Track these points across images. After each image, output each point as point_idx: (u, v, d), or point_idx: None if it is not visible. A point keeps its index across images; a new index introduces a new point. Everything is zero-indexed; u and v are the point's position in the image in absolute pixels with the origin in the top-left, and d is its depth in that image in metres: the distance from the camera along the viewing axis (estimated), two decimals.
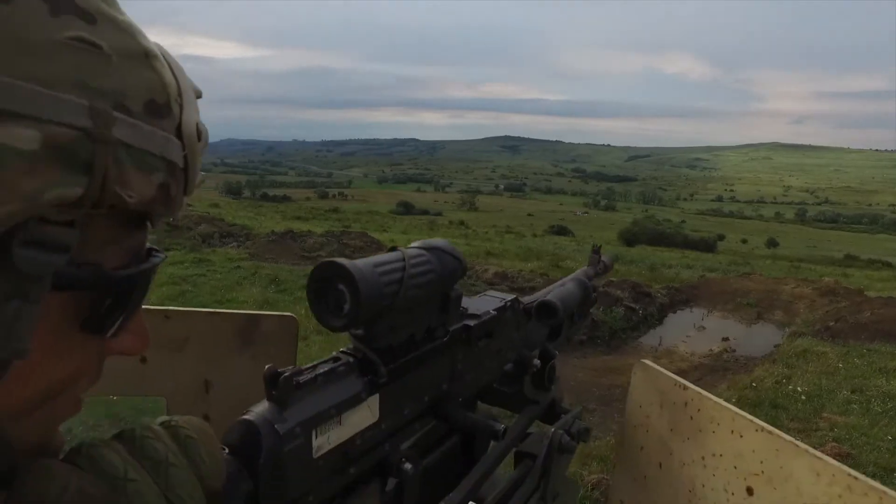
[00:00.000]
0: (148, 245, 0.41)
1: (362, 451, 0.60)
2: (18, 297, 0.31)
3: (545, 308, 0.88)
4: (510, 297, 0.92)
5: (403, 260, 0.61)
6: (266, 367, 0.53)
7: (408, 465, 0.65)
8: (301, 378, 0.54)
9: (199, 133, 0.41)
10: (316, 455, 0.54)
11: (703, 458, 0.78)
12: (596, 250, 1.29)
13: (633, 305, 8.63)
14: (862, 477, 0.56)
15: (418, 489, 0.72)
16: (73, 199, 0.31)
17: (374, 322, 0.60)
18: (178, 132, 0.38)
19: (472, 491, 0.83)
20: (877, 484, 0.54)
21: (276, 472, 0.50)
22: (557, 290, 0.96)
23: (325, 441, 0.55)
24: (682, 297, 9.61)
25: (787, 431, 0.62)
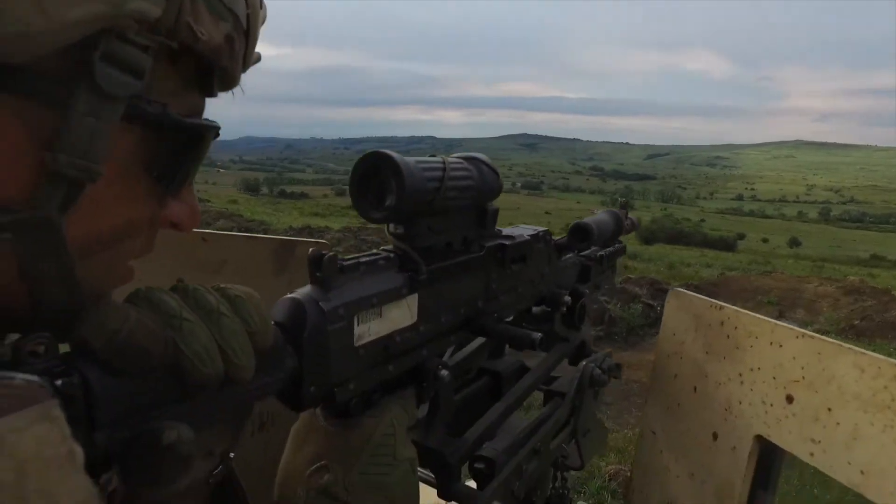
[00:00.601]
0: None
1: (401, 350, 0.61)
2: (94, 115, 0.32)
3: (580, 229, 0.88)
4: (542, 228, 0.93)
5: (444, 164, 0.63)
6: (310, 250, 0.55)
7: (444, 372, 0.66)
8: (345, 263, 0.55)
9: (261, 3, 0.43)
10: (357, 343, 0.55)
11: (739, 374, 0.77)
12: (623, 206, 1.29)
13: (651, 302, 8.58)
14: None
15: (452, 400, 0.73)
16: (152, 19, 0.32)
17: (414, 221, 0.61)
18: None
19: (501, 418, 0.84)
20: None
21: (320, 350, 0.51)
22: (591, 217, 0.96)
23: (365, 331, 0.56)
24: (703, 295, 9.51)
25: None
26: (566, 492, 1.11)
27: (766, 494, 0.76)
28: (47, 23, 0.28)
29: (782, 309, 9.37)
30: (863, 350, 0.61)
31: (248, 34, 0.41)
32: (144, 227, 0.42)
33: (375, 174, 0.58)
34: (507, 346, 1.00)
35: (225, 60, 0.39)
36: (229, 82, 0.42)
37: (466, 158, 0.70)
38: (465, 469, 0.75)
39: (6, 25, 0.27)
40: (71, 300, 0.36)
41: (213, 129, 0.42)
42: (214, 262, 0.91)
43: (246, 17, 0.40)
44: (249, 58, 0.43)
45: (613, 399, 5.83)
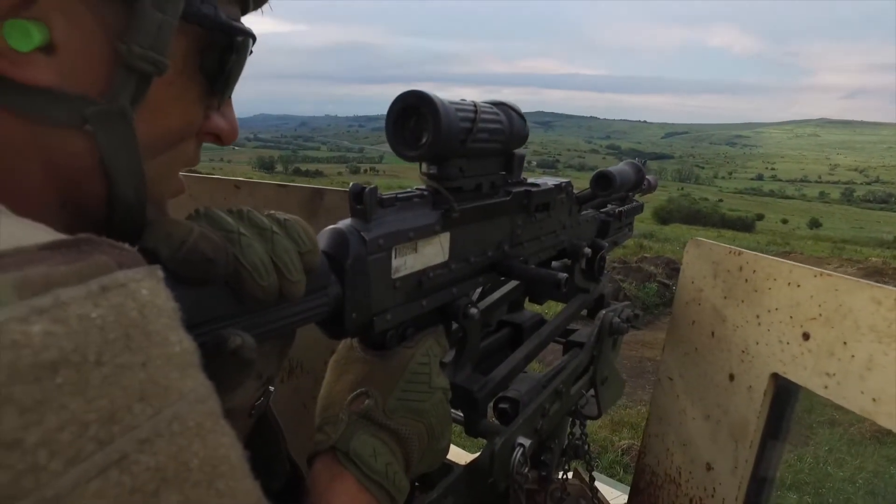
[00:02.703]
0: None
1: (434, 286, 0.63)
2: (160, 9, 0.35)
3: (602, 177, 0.90)
4: (565, 180, 0.95)
5: (475, 107, 0.64)
6: (350, 184, 0.57)
7: (474, 310, 0.69)
8: (384, 197, 0.58)
9: None
10: (394, 276, 0.58)
11: (757, 316, 0.79)
12: (643, 164, 1.30)
13: (666, 281, 8.55)
14: None
15: (479, 339, 0.76)
16: None
17: (447, 162, 0.63)
18: None
19: (524, 361, 0.87)
20: None
21: (362, 278, 0.53)
22: (614, 167, 0.97)
23: (402, 264, 0.59)
24: None
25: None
26: (584, 440, 1.15)
27: (779, 432, 0.79)
28: None
29: None
30: (880, 284, 0.63)
31: None
32: (190, 136, 0.44)
33: (412, 114, 0.60)
34: (526, 301, 1.03)
35: None
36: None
37: (495, 104, 0.72)
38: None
39: None
40: (138, 198, 0.39)
41: (253, 37, 0.44)
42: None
43: None
44: None
45: (628, 376, 5.86)
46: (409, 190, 0.64)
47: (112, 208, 0.38)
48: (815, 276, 0.70)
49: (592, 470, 1.17)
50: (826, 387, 0.68)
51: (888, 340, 0.61)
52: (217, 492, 0.24)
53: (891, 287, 0.61)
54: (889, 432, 0.54)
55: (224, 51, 0.41)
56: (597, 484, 1.16)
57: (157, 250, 0.36)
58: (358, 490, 0.50)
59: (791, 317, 0.74)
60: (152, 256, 0.36)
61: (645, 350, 6.47)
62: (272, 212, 0.46)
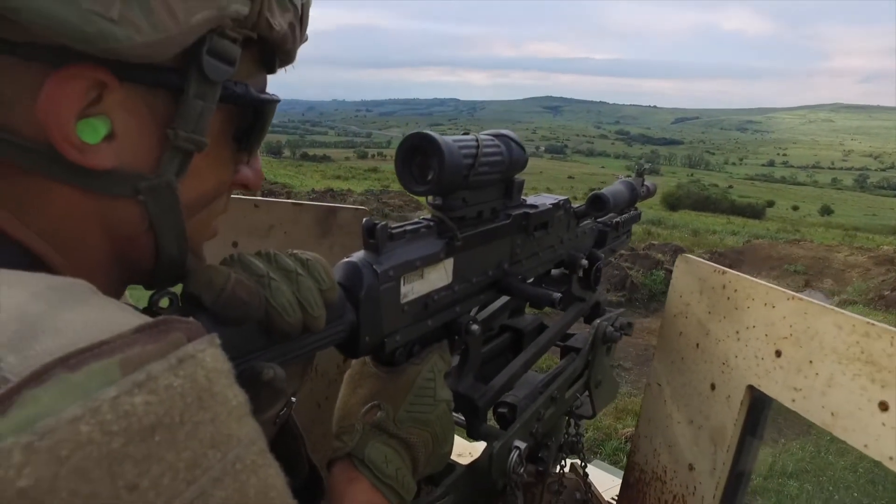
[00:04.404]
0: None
1: (438, 306, 0.70)
2: (202, 98, 0.41)
3: (597, 199, 0.96)
4: (563, 197, 1.01)
5: (477, 142, 0.71)
6: (363, 219, 0.64)
7: (475, 327, 0.76)
8: (393, 231, 0.64)
9: None
10: (403, 301, 0.64)
11: (737, 332, 0.86)
12: (640, 173, 1.35)
13: (673, 269, 8.54)
14: (878, 324, 0.64)
15: (481, 350, 0.83)
16: (242, 16, 0.41)
17: (451, 194, 0.70)
18: None
19: (523, 368, 0.94)
20: (889, 327, 0.62)
21: (374, 306, 0.60)
22: (608, 188, 1.04)
23: (410, 290, 0.66)
24: (726, 262, 9.40)
25: None
26: (579, 438, 1.22)
27: (753, 438, 0.86)
28: (179, 28, 0.37)
29: (809, 278, 9.20)
30: (842, 311, 0.69)
31: (303, 20, 0.49)
32: (223, 192, 0.50)
33: (419, 153, 0.66)
34: (527, 305, 1.09)
35: (288, 45, 0.47)
36: (288, 61, 0.50)
37: (496, 136, 0.78)
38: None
39: (156, 34, 0.36)
40: (181, 252, 0.46)
41: (277, 102, 0.50)
42: (264, 226, 1.02)
43: (302, 5, 0.48)
44: (302, 39, 0.51)
45: (632, 364, 5.94)
46: (416, 221, 0.71)
47: (158, 260, 0.45)
48: (788, 298, 0.77)
49: (586, 466, 1.25)
50: (794, 400, 0.75)
51: (846, 362, 0.67)
52: None
53: (850, 314, 0.68)
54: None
55: (253, 119, 0.48)
56: (598, 471, 1.24)
57: (200, 296, 0.42)
58: (372, 492, 0.57)
59: (766, 334, 0.80)
60: (196, 301, 0.43)
61: (651, 338, 6.53)
62: (295, 252, 0.52)
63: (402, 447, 0.61)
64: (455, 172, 0.66)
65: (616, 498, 1.22)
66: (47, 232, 0.39)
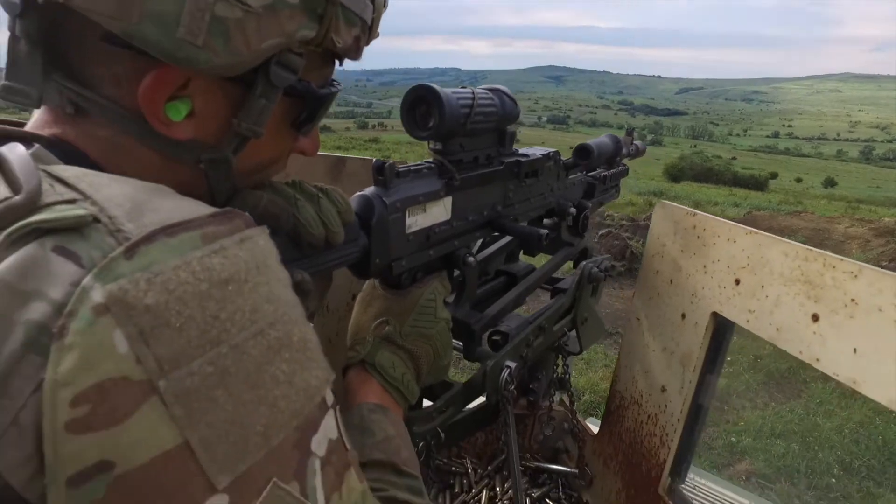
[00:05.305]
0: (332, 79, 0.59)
1: (439, 238, 0.81)
2: (265, 97, 0.49)
3: (582, 149, 1.06)
4: (553, 150, 1.10)
5: (473, 94, 0.80)
6: (374, 160, 0.74)
7: (471, 259, 0.87)
8: (400, 170, 0.75)
9: (385, 1, 0.57)
10: (408, 231, 0.75)
11: (704, 266, 0.97)
12: (629, 132, 1.44)
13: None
14: (815, 250, 0.75)
15: (477, 281, 0.94)
16: (308, 39, 0.49)
17: (450, 140, 0.79)
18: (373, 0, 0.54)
19: (514, 301, 1.04)
20: (824, 252, 0.73)
21: (383, 232, 0.71)
22: (593, 140, 1.13)
23: (414, 222, 0.76)
24: None
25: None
26: (567, 375, 1.35)
27: (716, 358, 0.97)
28: (250, 52, 0.45)
29: None
30: (788, 241, 0.80)
31: (371, 27, 0.55)
32: (280, 159, 0.59)
33: (422, 102, 0.75)
34: (520, 253, 1.20)
35: (352, 54, 0.55)
36: (353, 59, 0.57)
37: (491, 90, 0.88)
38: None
39: (231, 57, 0.44)
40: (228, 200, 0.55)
41: (336, 93, 0.58)
42: (281, 175, 1.11)
43: (371, 18, 0.54)
44: (371, 40, 0.57)
45: None
46: (419, 163, 0.81)
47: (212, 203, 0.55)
48: (747, 233, 0.88)
49: (574, 401, 1.37)
50: (748, 321, 0.86)
51: (790, 284, 0.78)
52: (307, 357, 0.42)
53: (795, 243, 0.79)
54: None
55: (313, 107, 0.55)
56: (595, 428, 1.37)
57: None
58: (381, 391, 0.68)
59: (728, 266, 0.91)
60: None
61: None
62: (317, 184, 0.63)
63: (407, 356, 0.72)
64: (454, 120, 0.75)
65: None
66: (129, 176, 0.50)
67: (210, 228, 0.37)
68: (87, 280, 0.31)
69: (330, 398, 0.42)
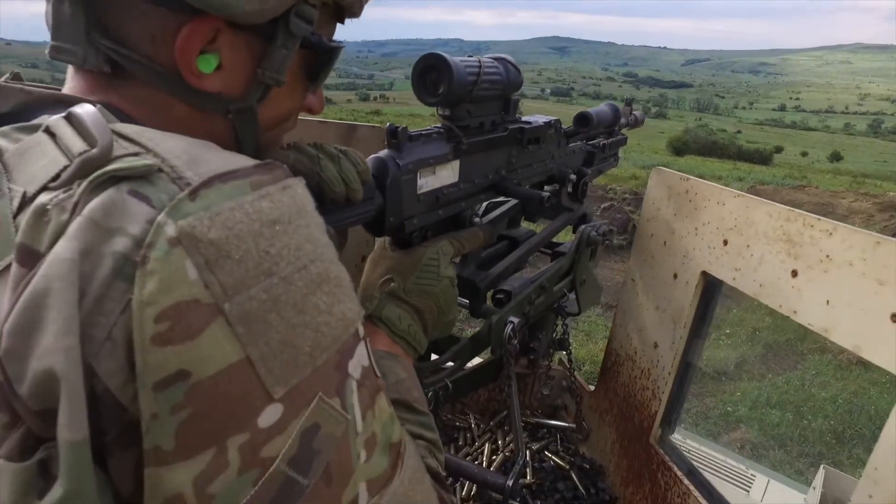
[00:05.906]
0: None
1: (447, 200, 0.86)
2: (285, 47, 0.54)
3: (582, 117, 1.11)
4: (554, 118, 1.15)
5: (479, 63, 0.85)
6: (387, 124, 0.79)
7: (477, 220, 0.92)
8: (412, 134, 0.80)
9: None
10: (419, 192, 0.80)
11: (695, 228, 1.03)
12: (628, 103, 1.48)
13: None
14: (796, 210, 0.80)
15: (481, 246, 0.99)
16: None
17: (458, 106, 0.84)
18: None
19: (517, 263, 1.11)
20: (804, 212, 0.79)
21: (396, 192, 0.76)
22: (593, 108, 1.18)
23: (424, 183, 0.81)
24: None
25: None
26: (567, 336, 1.42)
27: (704, 315, 1.04)
28: (277, 1, 0.50)
29: None
30: (772, 203, 0.85)
31: None
32: (293, 115, 0.64)
33: (432, 70, 0.80)
34: (522, 219, 1.25)
35: (356, 8, 0.60)
36: (355, 16, 0.63)
37: (496, 59, 0.92)
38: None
39: (260, 5, 0.49)
40: (255, 155, 0.61)
41: (342, 48, 0.63)
42: (292, 140, 1.17)
43: None
44: None
45: None
46: (429, 128, 0.86)
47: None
48: (735, 196, 0.93)
49: (572, 362, 1.45)
50: (734, 279, 0.92)
51: (772, 242, 0.84)
52: (342, 291, 0.47)
53: (779, 205, 0.84)
54: None
55: (322, 60, 0.60)
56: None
57: None
58: (390, 342, 0.74)
59: (717, 228, 0.97)
60: None
61: None
62: (337, 146, 0.68)
63: (412, 310, 0.77)
64: (461, 87, 0.80)
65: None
66: (169, 131, 0.55)
67: (256, 177, 0.42)
68: (160, 217, 0.37)
69: (362, 331, 0.48)
